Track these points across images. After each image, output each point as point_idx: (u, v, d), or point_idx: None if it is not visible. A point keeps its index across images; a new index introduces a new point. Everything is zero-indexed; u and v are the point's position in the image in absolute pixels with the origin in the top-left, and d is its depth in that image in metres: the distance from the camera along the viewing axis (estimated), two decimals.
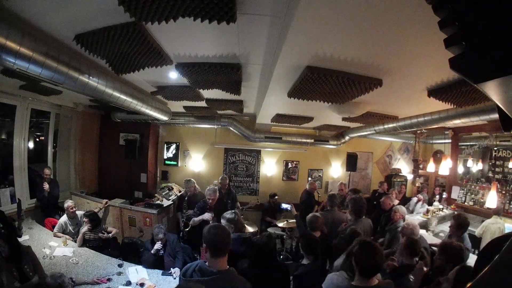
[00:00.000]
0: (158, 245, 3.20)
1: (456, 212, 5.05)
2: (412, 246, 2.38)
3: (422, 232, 4.00)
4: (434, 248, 3.25)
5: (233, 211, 2.76)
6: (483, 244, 3.92)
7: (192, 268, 1.66)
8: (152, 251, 3.20)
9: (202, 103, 4.56)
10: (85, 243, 3.48)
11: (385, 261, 2.12)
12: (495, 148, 5.05)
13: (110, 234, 3.74)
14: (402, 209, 3.66)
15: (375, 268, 1.66)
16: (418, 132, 5.89)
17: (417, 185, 6.50)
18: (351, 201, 3.29)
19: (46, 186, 4.35)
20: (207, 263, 1.64)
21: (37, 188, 4.49)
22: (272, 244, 2.21)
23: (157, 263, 3.18)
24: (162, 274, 2.90)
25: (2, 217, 2.88)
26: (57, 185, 4.72)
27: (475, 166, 5.40)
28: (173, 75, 3.05)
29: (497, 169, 5.00)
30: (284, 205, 5.35)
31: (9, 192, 4.16)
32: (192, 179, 4.66)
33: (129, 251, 3.72)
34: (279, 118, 4.81)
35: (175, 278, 2.85)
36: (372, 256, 1.64)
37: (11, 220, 3.19)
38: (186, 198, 4.45)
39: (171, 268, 2.99)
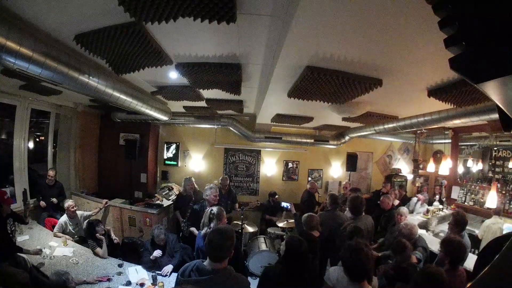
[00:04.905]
0: (157, 253, 3.12)
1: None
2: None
3: (422, 232, 4.00)
4: (434, 250, 3.25)
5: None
6: (484, 244, 3.92)
7: (190, 267, 1.68)
8: (151, 257, 3.11)
9: (202, 103, 4.55)
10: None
11: (373, 265, 2.10)
12: (495, 148, 5.05)
13: (113, 238, 3.75)
14: (404, 210, 3.70)
15: (362, 272, 1.69)
16: (418, 132, 5.88)
17: (417, 185, 6.50)
18: (348, 200, 3.38)
19: (42, 204, 4.34)
20: (204, 263, 1.66)
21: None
22: (303, 247, 2.14)
23: (156, 264, 3.16)
24: (153, 273, 2.77)
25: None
26: (62, 188, 4.71)
27: (475, 166, 5.39)
28: (173, 75, 3.05)
29: (497, 169, 4.99)
30: (284, 204, 5.37)
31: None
32: (192, 177, 4.63)
33: (129, 251, 3.72)
34: (279, 118, 4.81)
35: (164, 276, 2.85)
36: (360, 260, 1.66)
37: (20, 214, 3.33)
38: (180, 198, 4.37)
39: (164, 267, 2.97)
